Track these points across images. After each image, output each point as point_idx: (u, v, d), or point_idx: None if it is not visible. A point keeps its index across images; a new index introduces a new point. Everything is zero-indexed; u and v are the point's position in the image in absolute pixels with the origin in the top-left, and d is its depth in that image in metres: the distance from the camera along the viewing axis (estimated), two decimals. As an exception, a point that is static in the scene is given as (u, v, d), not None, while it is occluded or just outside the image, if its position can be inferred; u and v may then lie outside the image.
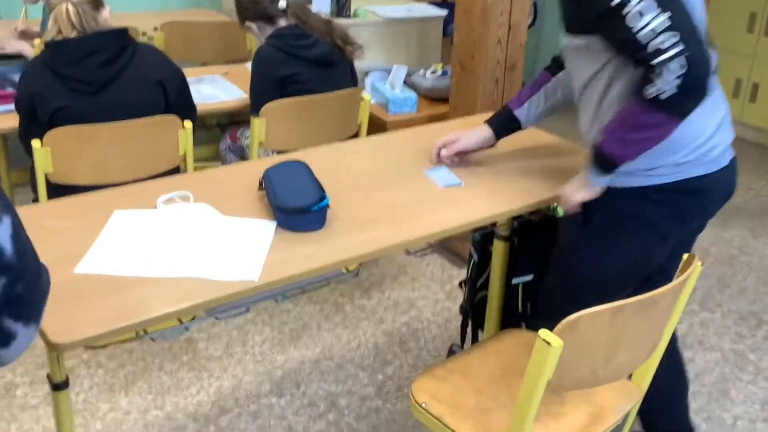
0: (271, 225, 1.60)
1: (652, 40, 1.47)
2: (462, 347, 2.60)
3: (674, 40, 1.45)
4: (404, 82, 3.56)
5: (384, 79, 3.55)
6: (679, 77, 1.46)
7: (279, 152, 2.89)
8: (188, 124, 2.58)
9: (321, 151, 2.09)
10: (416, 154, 2.07)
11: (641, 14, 1.46)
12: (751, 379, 2.62)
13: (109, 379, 2.49)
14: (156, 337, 1.45)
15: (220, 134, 3.46)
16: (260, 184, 1.72)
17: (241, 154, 3.10)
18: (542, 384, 1.37)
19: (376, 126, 3.40)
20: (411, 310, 2.95)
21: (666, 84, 1.47)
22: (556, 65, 1.94)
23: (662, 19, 1.46)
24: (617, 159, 1.63)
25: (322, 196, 1.61)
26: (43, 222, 1.59)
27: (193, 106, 2.73)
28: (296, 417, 2.36)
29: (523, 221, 2.16)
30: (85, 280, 1.41)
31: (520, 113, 1.97)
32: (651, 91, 1.49)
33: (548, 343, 1.32)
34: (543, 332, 1.33)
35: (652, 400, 2.04)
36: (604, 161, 1.66)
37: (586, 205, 1.77)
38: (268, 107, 2.73)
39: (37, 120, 2.37)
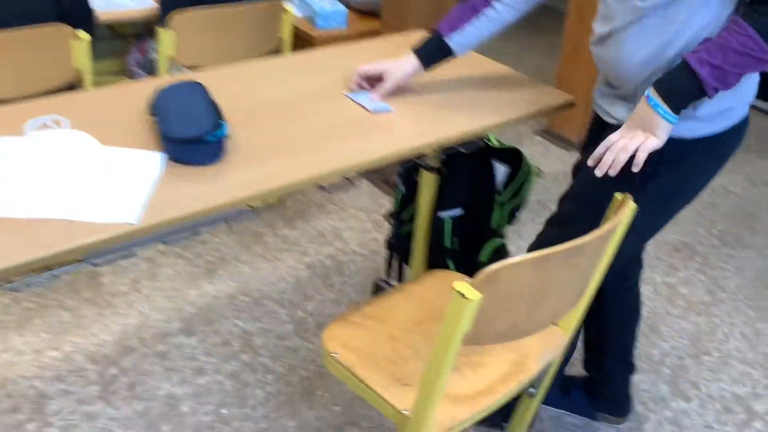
0: (158, 157, 1.39)
1: None
2: (387, 282, 2.47)
3: None
4: (332, -5, 3.29)
5: (314, -9, 3.28)
6: None
7: (191, 69, 2.65)
8: (83, 34, 2.30)
9: (229, 71, 1.86)
10: (341, 75, 1.87)
11: None
12: (681, 313, 2.57)
13: (2, 316, 2.28)
14: (19, 287, 1.26)
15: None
16: (150, 108, 1.50)
17: (151, 70, 2.83)
18: (458, 338, 1.23)
19: (302, 42, 3.16)
20: (336, 241, 2.79)
21: None
22: None
23: None
24: (711, 86, 1.33)
25: (219, 124, 1.41)
26: None
27: (89, 14, 2.44)
28: (207, 357, 2.20)
29: (452, 152, 1.99)
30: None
31: (451, 41, 1.75)
32: None
33: (464, 296, 1.17)
34: (458, 284, 1.18)
35: (600, 334, 1.95)
36: (689, 91, 1.35)
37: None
38: (177, 18, 2.46)
39: None
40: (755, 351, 2.41)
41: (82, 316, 2.32)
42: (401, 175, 2.25)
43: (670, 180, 1.53)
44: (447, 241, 2.18)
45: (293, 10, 2.72)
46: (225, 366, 2.18)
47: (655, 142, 1.39)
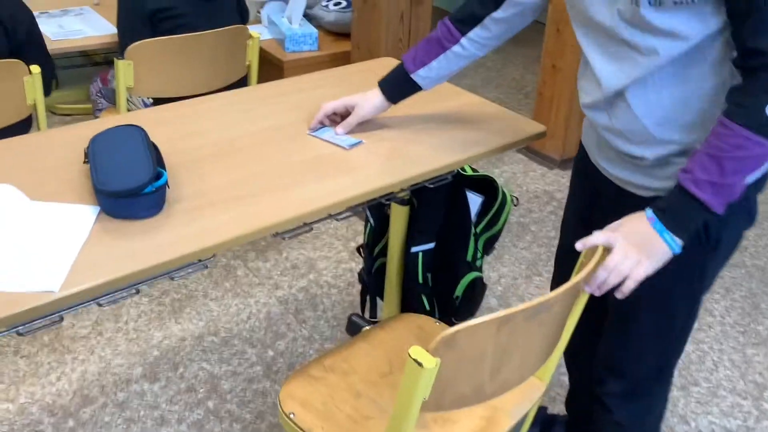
0: (91, 212, 1.28)
1: None
2: (362, 318, 2.36)
3: None
4: (304, 15, 3.19)
5: (282, 11, 3.18)
6: None
7: (155, 100, 2.55)
8: (35, 69, 2.20)
9: (185, 107, 1.75)
10: (305, 110, 1.76)
11: None
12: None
13: (-46, 368, 2.17)
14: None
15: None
16: (85, 155, 1.40)
17: (113, 100, 2.73)
18: (415, 407, 1.13)
19: (272, 67, 3.06)
20: (310, 272, 2.68)
21: None
22: (470, 18, 1.55)
23: None
24: (718, 205, 1.18)
25: (158, 174, 1.30)
26: None
27: (43, 50, 2.35)
28: (170, 406, 2.09)
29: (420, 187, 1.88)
30: None
31: (417, 76, 1.64)
32: None
33: (419, 364, 1.07)
34: (414, 350, 1.07)
35: (583, 379, 1.82)
36: (695, 216, 1.20)
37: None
38: (135, 47, 2.36)
39: None
40: (745, 380, 2.31)
41: (39, 363, 2.20)
42: (371, 208, 2.15)
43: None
44: (420, 277, 2.08)
45: (260, 35, 2.62)
46: (189, 414, 2.06)
47: (648, 270, 1.22)
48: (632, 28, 1.21)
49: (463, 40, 1.56)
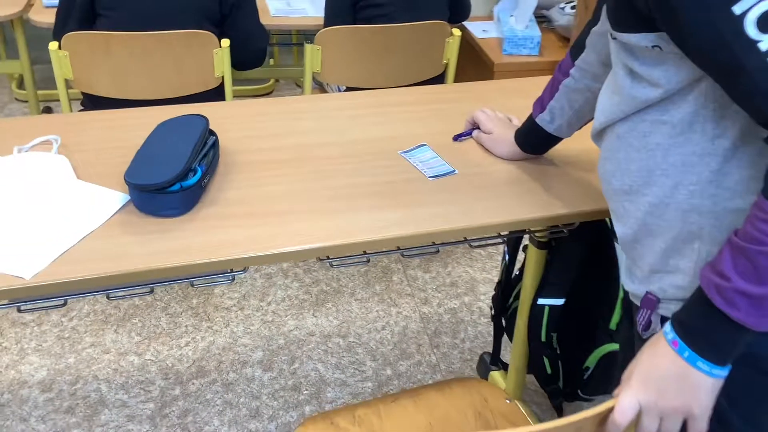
0: (119, 200, 1.24)
1: None
2: (494, 358, 2.11)
3: None
4: (539, 15, 2.92)
5: (514, 10, 2.94)
6: None
7: (349, 88, 2.50)
8: (225, 42, 2.25)
9: (283, 104, 1.66)
10: (428, 122, 1.57)
11: None
12: None
13: (111, 310, 2.34)
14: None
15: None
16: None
17: (321, 84, 2.73)
18: None
19: (484, 67, 2.85)
20: (467, 294, 2.47)
21: None
22: (580, 41, 1.28)
23: None
24: (756, 322, 0.84)
25: (187, 172, 1.21)
26: None
27: (254, 21, 2.37)
28: (270, 400, 2.04)
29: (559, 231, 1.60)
30: None
31: (542, 121, 1.37)
32: None
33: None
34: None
35: None
36: (730, 337, 0.86)
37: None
38: (325, 33, 2.32)
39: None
40: None
41: (178, 324, 2.29)
42: (508, 241, 1.89)
43: None
44: (543, 335, 1.78)
45: (460, 33, 2.43)
46: (283, 415, 2.00)
47: (702, 421, 0.89)
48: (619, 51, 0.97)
49: (573, 70, 1.26)
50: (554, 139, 1.38)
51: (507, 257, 1.89)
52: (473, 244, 1.39)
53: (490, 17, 3.13)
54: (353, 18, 2.43)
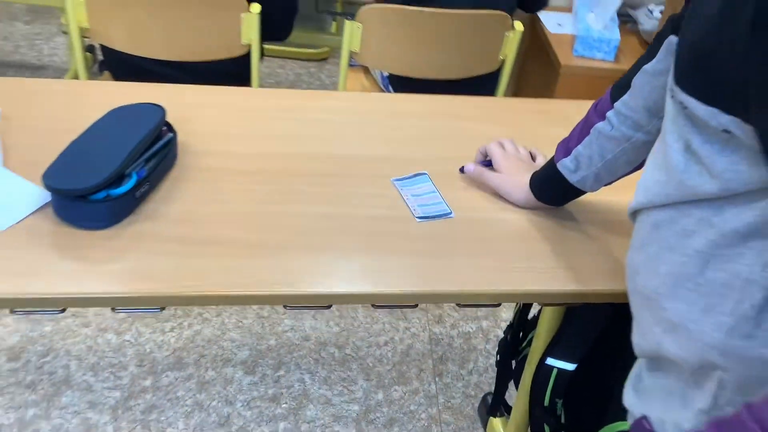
0: (39, 199, 1.04)
1: None
2: (497, 399, 1.88)
3: None
4: (623, 15, 2.60)
5: (595, 6, 2.62)
6: None
7: (391, 77, 2.26)
8: (255, 8, 2.03)
9: (298, 99, 1.43)
10: (435, 141, 1.33)
11: None
12: None
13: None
14: None
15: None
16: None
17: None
18: None
19: (549, 68, 2.55)
20: (487, 318, 2.23)
21: None
22: (625, 80, 1.00)
23: None
24: None
25: (119, 178, 1.01)
26: None
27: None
28: (244, 409, 1.87)
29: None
30: None
31: (564, 168, 1.09)
32: None
33: None
34: None
35: None
36: None
37: None
38: (367, 10, 2.07)
39: None
40: None
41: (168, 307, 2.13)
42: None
43: None
44: (546, 399, 1.53)
45: (521, 27, 2.14)
46: (254, 429, 1.82)
47: None
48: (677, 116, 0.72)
49: (610, 113, 0.99)
50: (576, 192, 1.12)
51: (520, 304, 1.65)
52: (462, 303, 1.15)
53: (569, 9, 2.81)
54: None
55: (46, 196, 1.04)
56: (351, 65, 2.52)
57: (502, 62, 2.23)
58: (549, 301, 1.13)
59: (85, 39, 2.11)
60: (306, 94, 1.43)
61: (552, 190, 1.13)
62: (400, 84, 2.26)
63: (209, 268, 0.99)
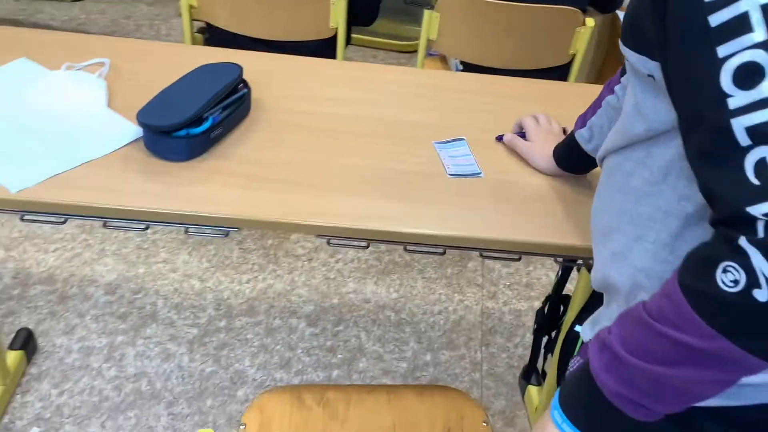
0: (132, 134, 1.26)
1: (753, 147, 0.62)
2: (528, 373, 2.00)
3: None
4: None
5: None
6: None
7: (464, 65, 2.41)
8: None
9: (374, 72, 1.61)
10: (494, 116, 1.48)
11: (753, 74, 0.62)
12: None
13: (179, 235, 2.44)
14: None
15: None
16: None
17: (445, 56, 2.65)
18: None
19: (616, 64, 2.62)
20: (539, 298, 2.35)
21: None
22: None
23: None
24: (613, 392, 0.73)
25: (197, 120, 1.22)
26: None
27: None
28: (303, 355, 2.06)
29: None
30: None
31: (580, 137, 1.22)
32: (730, 278, 0.63)
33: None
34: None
35: None
36: (591, 401, 0.76)
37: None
38: (447, 0, 2.23)
39: None
40: None
41: (246, 260, 2.36)
42: (560, 260, 1.75)
43: None
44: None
45: (593, 23, 2.25)
46: (311, 372, 2.02)
47: None
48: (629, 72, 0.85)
49: (617, 87, 1.12)
50: (592, 161, 1.25)
51: (560, 270, 1.77)
52: (485, 254, 1.30)
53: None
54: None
55: (138, 131, 1.25)
56: (431, 54, 2.69)
57: (573, 56, 2.33)
58: (561, 253, 1.25)
59: (196, 22, 2.36)
60: (373, 67, 1.60)
61: (570, 157, 1.27)
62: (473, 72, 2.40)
63: (266, 200, 1.18)
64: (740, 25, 0.62)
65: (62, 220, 1.23)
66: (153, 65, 1.48)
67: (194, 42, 2.39)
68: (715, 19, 0.64)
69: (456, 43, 2.31)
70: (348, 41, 2.46)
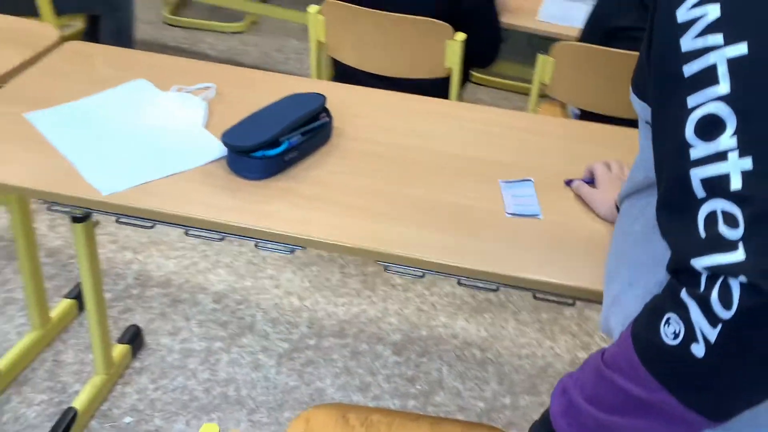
0: (217, 150, 1.39)
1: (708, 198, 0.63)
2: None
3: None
4: None
5: None
6: (741, 307, 0.58)
7: (582, 112, 2.41)
8: (460, 36, 2.29)
9: (403, 100, 1.66)
10: (533, 153, 1.50)
11: (710, 127, 0.63)
12: None
13: (308, 253, 2.57)
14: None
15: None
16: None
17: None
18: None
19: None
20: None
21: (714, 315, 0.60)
22: None
23: (740, 162, 0.61)
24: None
25: (273, 143, 1.32)
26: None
27: (490, 23, 2.40)
28: (383, 382, 2.12)
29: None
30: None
31: None
32: (671, 330, 0.63)
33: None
34: None
35: None
36: None
37: None
38: (563, 47, 2.25)
39: None
40: None
41: (345, 284, 2.45)
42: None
43: None
44: None
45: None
46: (388, 399, 2.06)
47: None
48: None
49: None
50: None
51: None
52: (538, 296, 1.30)
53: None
54: (607, 43, 2.31)
55: (223, 150, 1.37)
56: (551, 99, 2.69)
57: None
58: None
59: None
60: (463, 105, 1.65)
61: None
62: (588, 120, 2.38)
63: (330, 222, 1.25)
64: (708, 76, 0.62)
65: (151, 224, 1.36)
66: (255, 92, 1.61)
67: (320, 76, 2.54)
68: (689, 69, 0.64)
69: (569, 89, 2.31)
70: (465, 81, 2.52)
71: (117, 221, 1.37)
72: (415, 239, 1.24)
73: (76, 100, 1.51)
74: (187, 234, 1.37)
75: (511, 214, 1.30)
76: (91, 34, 3.09)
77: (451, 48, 2.31)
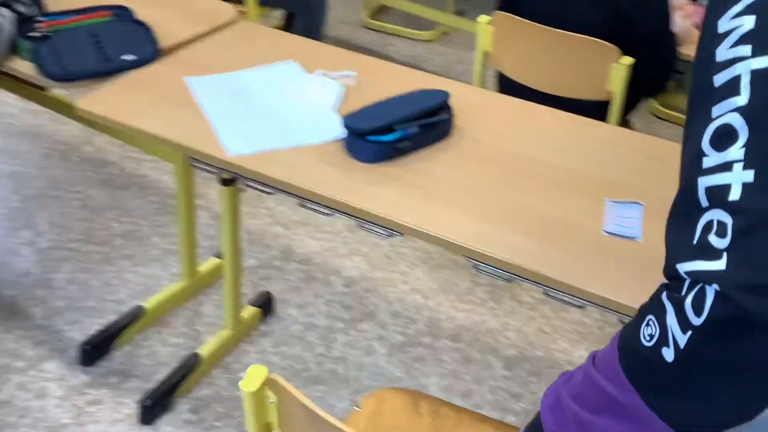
0: (338, 133, 1.48)
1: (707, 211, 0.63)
2: None
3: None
4: None
5: None
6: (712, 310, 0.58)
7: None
8: (626, 60, 2.24)
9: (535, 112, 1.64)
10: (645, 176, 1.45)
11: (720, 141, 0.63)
12: None
13: (433, 254, 2.63)
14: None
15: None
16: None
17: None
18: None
19: None
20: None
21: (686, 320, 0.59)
22: None
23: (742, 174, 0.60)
24: None
25: (387, 130, 1.39)
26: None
27: (666, 49, 2.32)
28: (487, 392, 2.12)
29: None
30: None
31: None
32: (648, 332, 0.63)
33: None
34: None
35: None
36: None
37: None
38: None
39: None
40: None
41: (472, 292, 2.48)
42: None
43: None
44: None
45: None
46: (488, 411, 2.07)
47: None
48: None
49: None
50: None
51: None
52: (625, 321, 1.26)
53: None
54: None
55: (344, 132, 1.46)
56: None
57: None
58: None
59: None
60: (587, 121, 1.63)
61: None
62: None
63: (428, 212, 1.30)
64: (732, 87, 0.61)
65: (269, 191, 1.48)
66: (394, 86, 1.69)
67: (481, 84, 2.58)
68: (718, 79, 0.63)
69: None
70: (631, 107, 2.45)
71: (246, 185, 1.50)
72: (508, 243, 1.25)
73: (231, 72, 1.67)
74: (301, 206, 1.47)
75: (608, 232, 1.27)
76: (286, 29, 3.34)
77: (616, 71, 2.26)
